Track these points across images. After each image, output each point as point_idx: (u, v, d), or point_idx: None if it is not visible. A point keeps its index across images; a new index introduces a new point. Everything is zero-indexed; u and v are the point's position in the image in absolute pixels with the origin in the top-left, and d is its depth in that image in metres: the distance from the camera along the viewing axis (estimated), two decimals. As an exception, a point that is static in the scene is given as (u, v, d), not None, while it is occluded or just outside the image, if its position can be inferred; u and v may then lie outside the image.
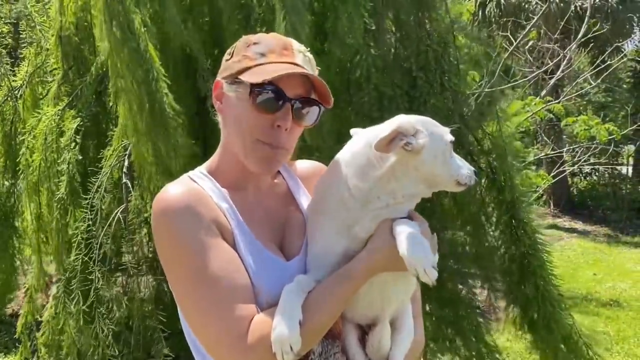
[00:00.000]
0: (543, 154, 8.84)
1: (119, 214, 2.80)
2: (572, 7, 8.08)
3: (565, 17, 7.96)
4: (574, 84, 8.42)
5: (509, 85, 7.51)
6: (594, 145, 7.73)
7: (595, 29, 7.20)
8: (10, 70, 4.39)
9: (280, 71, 1.09)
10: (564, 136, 11.06)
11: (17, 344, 4.60)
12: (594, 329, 5.72)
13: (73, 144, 2.98)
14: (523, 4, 11.97)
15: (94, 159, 3.02)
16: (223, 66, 1.20)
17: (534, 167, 10.09)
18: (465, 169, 1.17)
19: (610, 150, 8.20)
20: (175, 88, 2.57)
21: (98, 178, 2.82)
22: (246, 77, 1.12)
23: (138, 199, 2.89)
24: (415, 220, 1.15)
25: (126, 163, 2.85)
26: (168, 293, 2.90)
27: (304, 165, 1.40)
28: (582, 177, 13.07)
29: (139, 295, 2.86)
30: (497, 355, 3.11)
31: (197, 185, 1.17)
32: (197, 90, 2.73)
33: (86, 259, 2.76)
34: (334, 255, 1.14)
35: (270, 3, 2.51)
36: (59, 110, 3.14)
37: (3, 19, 7.80)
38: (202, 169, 1.23)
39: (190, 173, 1.22)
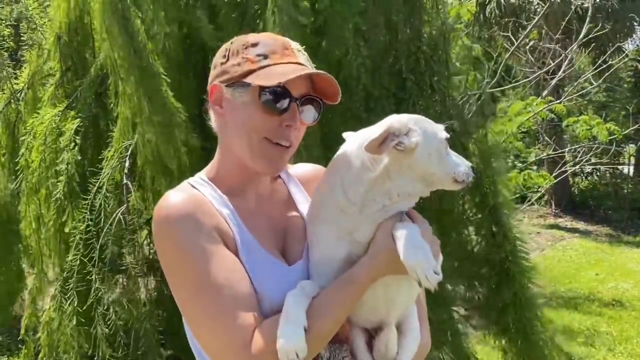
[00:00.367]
0: (544, 154, 8.84)
1: (119, 214, 2.79)
2: (573, 7, 8.06)
3: (567, 17, 7.94)
4: (575, 84, 8.40)
5: (510, 86, 7.52)
6: (595, 145, 7.72)
7: (596, 29, 7.20)
8: (13, 72, 4.41)
9: (290, 73, 1.10)
10: (565, 136, 11.05)
11: (19, 346, 4.61)
12: (597, 329, 5.71)
13: (72, 144, 2.98)
14: (524, 4, 11.97)
15: (93, 159, 3.02)
16: (219, 70, 1.18)
17: (535, 167, 10.10)
18: (462, 166, 1.16)
19: (611, 150, 8.18)
20: (177, 87, 2.57)
21: (97, 179, 2.82)
22: (254, 80, 1.11)
23: (138, 199, 2.89)
24: (416, 222, 1.15)
25: (127, 164, 2.85)
26: (168, 295, 2.90)
27: (304, 168, 1.39)
28: (584, 177, 13.05)
29: (138, 296, 2.86)
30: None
31: (197, 192, 1.16)
32: (201, 90, 2.72)
33: (85, 259, 2.77)
34: (336, 261, 1.14)
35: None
36: (59, 111, 3.15)
37: (4, 21, 7.82)
38: (202, 175, 1.22)
39: (191, 179, 1.21)
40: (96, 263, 2.74)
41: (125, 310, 2.76)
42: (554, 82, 7.39)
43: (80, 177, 2.96)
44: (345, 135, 1.24)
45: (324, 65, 2.66)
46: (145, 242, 3.20)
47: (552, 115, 7.03)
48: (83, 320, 2.72)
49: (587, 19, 7.23)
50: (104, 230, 2.74)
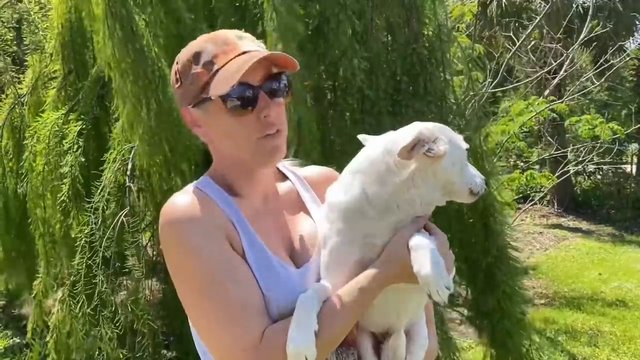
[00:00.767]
0: (547, 154, 8.83)
1: (122, 217, 2.80)
2: (574, 7, 8.06)
3: (568, 17, 7.95)
4: (577, 83, 8.40)
5: (512, 85, 7.52)
6: (598, 145, 7.71)
7: (597, 28, 7.19)
8: (16, 77, 4.43)
9: (238, 70, 1.07)
10: (568, 135, 11.04)
11: (23, 349, 4.62)
12: (600, 329, 5.70)
13: (75, 146, 2.99)
14: (525, 4, 11.96)
15: (96, 162, 3.03)
16: (179, 95, 1.17)
17: (537, 167, 10.09)
18: (478, 177, 1.18)
19: (614, 150, 8.17)
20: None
21: (101, 181, 2.83)
22: (211, 92, 1.10)
23: (141, 201, 2.90)
24: (433, 233, 1.14)
25: (130, 166, 2.86)
26: (172, 297, 2.90)
27: (315, 171, 1.38)
28: (586, 177, 13.02)
29: (142, 298, 2.86)
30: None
31: (204, 194, 1.15)
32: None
33: (90, 262, 2.77)
34: (349, 264, 1.13)
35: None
36: (61, 114, 3.16)
37: (6, 24, 7.83)
38: (207, 176, 1.21)
39: (197, 182, 1.20)
40: (100, 265, 2.74)
41: (129, 312, 2.76)
42: (555, 81, 7.39)
43: (84, 180, 2.97)
44: (362, 138, 1.23)
45: (320, 67, 2.67)
46: (148, 244, 3.21)
47: (554, 115, 7.03)
48: (94, 322, 2.73)
49: (589, 18, 7.23)
50: (107, 232, 2.75)
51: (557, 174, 7.41)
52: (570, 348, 5.21)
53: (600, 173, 12.66)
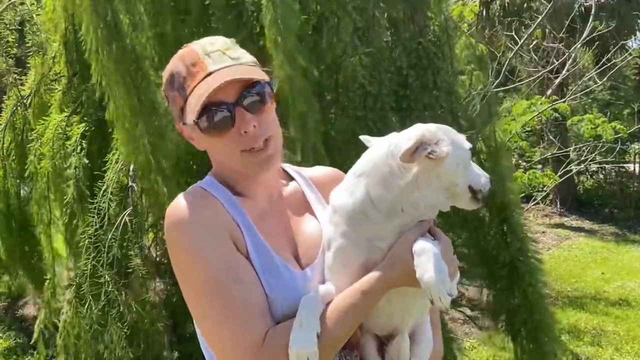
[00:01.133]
0: (549, 154, 8.81)
1: (125, 217, 2.81)
2: (577, 6, 8.05)
3: (570, 16, 7.93)
4: (579, 82, 8.38)
5: (514, 85, 7.51)
6: (600, 144, 7.69)
7: (600, 27, 7.18)
8: (18, 79, 4.44)
9: (201, 97, 1.07)
10: (570, 135, 11.02)
11: (27, 350, 4.63)
12: (603, 329, 5.69)
13: (79, 148, 3.00)
14: (527, 3, 11.94)
15: (100, 163, 3.04)
16: (171, 112, 1.21)
17: (540, 167, 10.08)
18: (482, 177, 1.18)
19: (617, 149, 8.15)
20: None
21: (104, 182, 2.83)
22: (186, 120, 1.12)
23: (144, 202, 2.91)
24: (437, 238, 1.14)
25: (132, 167, 2.87)
26: (177, 297, 2.91)
27: (320, 171, 1.38)
28: (589, 176, 12.99)
29: (147, 298, 2.87)
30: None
31: (209, 194, 1.16)
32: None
33: (96, 263, 2.78)
34: (354, 266, 1.13)
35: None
36: (65, 116, 3.17)
37: (8, 26, 7.85)
38: (212, 177, 1.22)
39: (201, 182, 1.21)
40: (104, 265, 2.75)
41: (133, 312, 2.77)
42: (557, 81, 7.38)
43: (88, 181, 2.97)
44: (364, 139, 1.23)
45: (321, 64, 2.67)
46: (152, 245, 3.22)
47: (557, 115, 7.02)
48: (102, 323, 2.74)
49: (591, 17, 7.22)
50: (110, 233, 2.76)
51: (559, 174, 7.40)
52: (574, 347, 5.20)
53: (603, 172, 12.62)
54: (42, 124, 3.27)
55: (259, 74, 1.13)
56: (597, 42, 8.13)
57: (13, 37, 7.87)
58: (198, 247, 1.08)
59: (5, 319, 5.40)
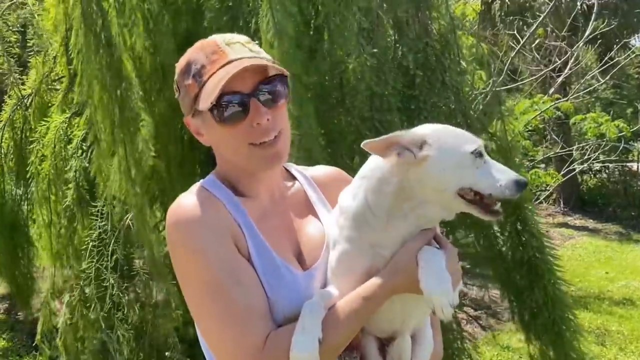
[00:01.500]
0: (552, 153, 8.79)
1: (128, 220, 2.80)
2: (579, 4, 8.02)
3: (572, 15, 7.91)
4: (582, 81, 8.36)
5: (516, 84, 7.49)
6: (603, 143, 7.67)
7: (602, 25, 7.15)
8: (19, 79, 4.44)
9: (221, 81, 1.06)
10: (573, 134, 10.99)
11: (28, 351, 4.63)
12: (607, 329, 5.67)
13: (80, 151, 3.00)
14: (529, 2, 11.91)
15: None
16: (181, 104, 1.19)
17: (543, 166, 10.05)
18: (498, 181, 1.08)
19: (620, 147, 8.12)
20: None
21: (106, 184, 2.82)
22: (200, 106, 1.11)
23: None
24: (443, 246, 1.13)
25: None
26: (180, 298, 2.90)
27: (322, 171, 1.37)
28: (592, 175, 12.95)
29: (149, 300, 2.87)
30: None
31: (210, 195, 1.15)
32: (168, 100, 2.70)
33: (99, 265, 2.78)
34: (356, 273, 1.12)
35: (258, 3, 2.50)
36: (66, 117, 3.16)
37: (11, 28, 7.86)
38: (214, 175, 1.21)
39: (203, 181, 1.20)
40: (108, 268, 2.75)
41: (136, 314, 2.77)
42: (560, 79, 7.36)
43: (89, 184, 2.97)
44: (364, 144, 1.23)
45: (326, 65, 2.66)
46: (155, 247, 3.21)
47: (559, 113, 7.00)
48: (108, 325, 2.74)
49: (593, 15, 7.19)
50: (114, 236, 2.75)
51: (562, 173, 7.38)
52: (578, 347, 5.17)
53: (606, 171, 12.58)
54: (43, 124, 3.26)
55: (276, 70, 1.13)
56: (599, 41, 8.11)
57: (15, 37, 7.87)
58: (199, 248, 1.08)
59: (7, 320, 5.40)
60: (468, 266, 3.34)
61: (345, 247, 1.14)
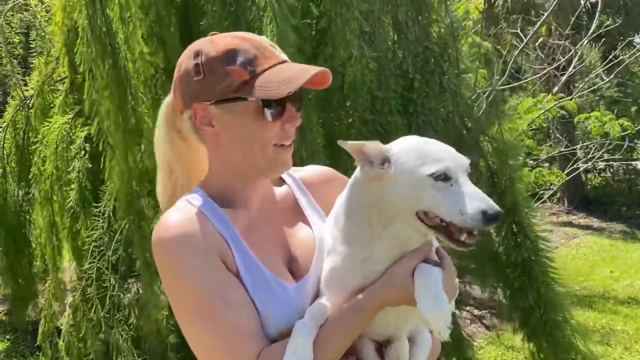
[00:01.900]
0: (556, 152, 8.76)
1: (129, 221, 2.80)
2: (583, 2, 7.99)
3: (576, 13, 7.87)
4: (586, 79, 8.33)
5: (519, 83, 7.47)
6: (607, 141, 7.64)
7: (606, 23, 7.12)
8: (22, 80, 4.45)
9: (299, 80, 1.05)
10: (577, 132, 10.95)
11: (32, 352, 4.63)
12: (612, 328, 5.64)
13: (82, 152, 3.00)
14: (532, 0, 11.87)
15: (104, 166, 3.04)
16: (195, 87, 1.09)
17: (547, 165, 10.01)
18: (460, 209, 1.00)
19: (624, 146, 8.08)
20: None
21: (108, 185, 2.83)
22: (253, 93, 1.06)
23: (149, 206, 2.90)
24: (441, 262, 1.11)
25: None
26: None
27: (311, 171, 1.35)
28: (597, 174, 12.91)
29: (149, 300, 2.87)
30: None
31: (196, 210, 1.10)
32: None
33: (100, 266, 2.78)
34: (347, 290, 1.11)
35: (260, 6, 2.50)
36: (68, 118, 3.17)
37: (14, 29, 7.88)
38: (200, 189, 1.17)
39: (188, 196, 1.15)
40: (109, 269, 2.76)
41: (136, 315, 2.77)
42: (564, 78, 7.33)
43: (92, 185, 2.97)
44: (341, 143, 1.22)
45: (327, 67, 2.67)
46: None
47: (563, 112, 6.97)
48: (110, 325, 2.74)
49: (597, 13, 7.16)
50: (115, 237, 2.76)
51: (566, 172, 7.35)
52: (582, 347, 5.15)
53: (611, 170, 12.53)
54: (46, 126, 3.27)
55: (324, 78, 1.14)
56: (603, 39, 8.07)
57: (18, 38, 7.90)
58: (186, 267, 1.05)
59: (11, 321, 5.41)
60: (473, 266, 3.33)
61: (337, 262, 1.13)
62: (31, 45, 4.79)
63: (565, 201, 11.71)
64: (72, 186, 3.00)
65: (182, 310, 1.09)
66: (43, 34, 4.57)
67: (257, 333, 1.05)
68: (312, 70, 1.08)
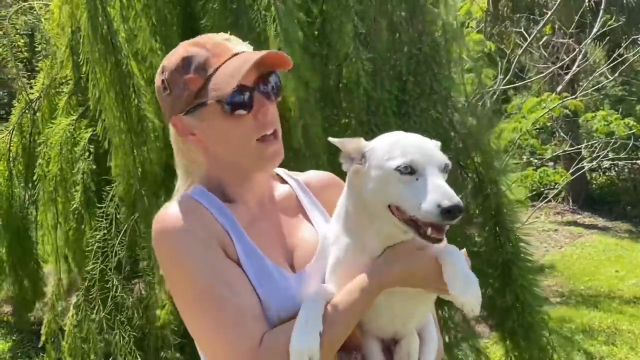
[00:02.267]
0: (561, 151, 8.73)
1: (133, 221, 2.81)
2: (587, 1, 7.95)
3: (580, 11, 7.84)
4: (590, 78, 8.29)
5: (523, 82, 7.45)
6: (612, 140, 7.60)
7: (610, 22, 7.09)
8: (27, 83, 4.47)
9: (240, 72, 1.05)
10: (581, 131, 10.91)
11: (37, 353, 4.65)
12: (618, 328, 5.61)
13: (87, 153, 3.01)
14: (536, -1, 11.84)
15: (108, 167, 3.05)
16: (168, 103, 1.14)
17: (551, 164, 9.98)
18: (426, 203, 0.99)
19: (629, 145, 8.05)
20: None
21: (112, 186, 2.84)
22: (211, 97, 1.07)
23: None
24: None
25: (140, 170, 2.87)
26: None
27: (314, 175, 1.37)
28: (602, 173, 12.86)
29: (154, 301, 2.88)
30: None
31: (196, 202, 1.13)
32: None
33: (104, 267, 2.80)
34: (351, 278, 1.11)
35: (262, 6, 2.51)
36: (73, 120, 3.18)
37: (19, 31, 7.92)
38: (199, 184, 1.19)
39: (189, 190, 1.18)
40: (112, 270, 2.77)
41: (139, 316, 2.78)
42: (568, 77, 7.29)
43: (96, 186, 2.99)
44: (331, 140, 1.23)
45: (324, 69, 2.69)
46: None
47: (567, 111, 6.94)
48: (111, 326, 2.76)
49: (601, 12, 7.13)
50: (119, 237, 2.77)
51: (571, 171, 7.32)
52: (588, 347, 5.14)
53: (616, 169, 12.48)
54: (50, 127, 3.29)
55: (286, 62, 1.15)
56: (607, 38, 8.04)
57: (23, 41, 7.95)
58: (186, 256, 1.06)
59: (16, 322, 5.43)
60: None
61: (339, 253, 1.14)
62: (36, 49, 4.81)
63: (570, 200, 11.67)
64: (77, 187, 3.01)
65: (182, 298, 1.10)
66: (48, 36, 4.60)
67: (260, 316, 1.06)
68: (255, 56, 1.08)
